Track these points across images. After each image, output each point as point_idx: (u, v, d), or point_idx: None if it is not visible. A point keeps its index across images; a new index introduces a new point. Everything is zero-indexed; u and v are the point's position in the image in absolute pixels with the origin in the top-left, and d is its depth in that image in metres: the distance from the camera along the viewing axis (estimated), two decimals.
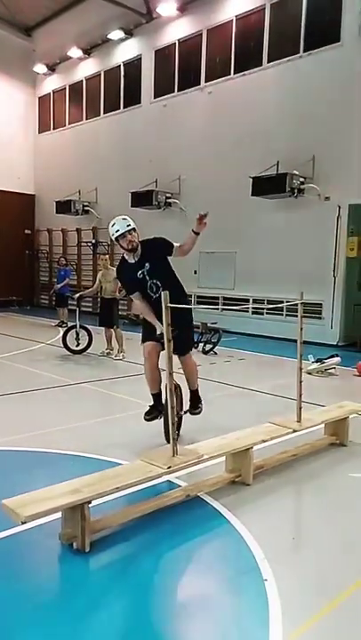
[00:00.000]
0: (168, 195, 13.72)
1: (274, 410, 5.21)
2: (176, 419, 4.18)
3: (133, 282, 4.35)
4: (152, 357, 4.34)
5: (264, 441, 3.96)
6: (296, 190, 11.09)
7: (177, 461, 3.29)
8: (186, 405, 4.73)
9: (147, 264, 4.30)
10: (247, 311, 11.84)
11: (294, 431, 4.25)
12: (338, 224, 10.87)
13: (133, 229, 4.22)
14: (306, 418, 4.44)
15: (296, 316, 4.62)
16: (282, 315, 11.16)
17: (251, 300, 12.04)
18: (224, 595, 2.58)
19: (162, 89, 14.43)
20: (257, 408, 5.89)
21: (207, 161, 13.03)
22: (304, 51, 11.32)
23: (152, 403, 4.53)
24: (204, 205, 14.83)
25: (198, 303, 12.99)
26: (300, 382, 4.47)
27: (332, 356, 8.26)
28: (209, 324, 9.90)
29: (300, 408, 4.39)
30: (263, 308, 11.51)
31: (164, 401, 4.41)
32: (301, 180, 11.04)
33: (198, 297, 13.29)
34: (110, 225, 4.27)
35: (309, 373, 7.61)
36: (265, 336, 11.53)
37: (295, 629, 2.27)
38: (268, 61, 11.96)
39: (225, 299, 12.70)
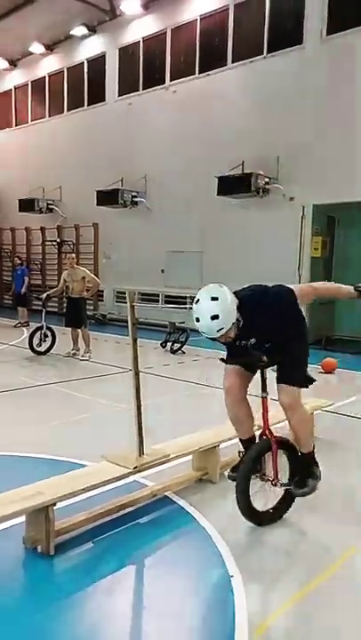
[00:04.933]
0: (134, 194, 13.66)
1: None
2: (280, 489, 3.12)
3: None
4: (233, 389, 3.19)
5: (231, 439, 3.99)
6: (261, 190, 11.22)
7: (143, 461, 3.28)
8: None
9: (252, 340, 2.94)
10: None
11: (259, 428, 4.28)
12: (302, 224, 11.05)
13: (230, 328, 2.82)
14: (271, 415, 4.48)
15: None
16: None
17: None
18: (191, 593, 2.59)
19: (127, 87, 14.35)
20: (224, 406, 5.91)
21: (173, 160, 13.03)
22: (268, 52, 11.45)
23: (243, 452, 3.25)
24: (170, 204, 14.78)
25: (166, 302, 12.99)
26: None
27: None
28: (177, 324, 9.91)
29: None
30: None
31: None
32: (266, 180, 11.17)
33: (166, 296, 13.27)
34: (194, 314, 2.85)
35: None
36: None
37: (260, 624, 2.30)
38: (233, 61, 12.05)
39: (192, 298, 12.71)
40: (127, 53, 14.29)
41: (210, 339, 2.87)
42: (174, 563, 2.82)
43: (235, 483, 3.06)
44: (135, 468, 3.21)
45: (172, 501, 3.44)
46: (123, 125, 14.26)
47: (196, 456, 3.77)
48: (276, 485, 3.12)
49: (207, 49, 12.55)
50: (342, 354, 9.30)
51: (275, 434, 3.27)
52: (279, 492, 3.19)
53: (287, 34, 11.11)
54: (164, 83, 13.43)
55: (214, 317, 2.73)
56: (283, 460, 3.16)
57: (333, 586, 2.60)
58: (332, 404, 5.27)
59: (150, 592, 2.61)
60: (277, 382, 3.13)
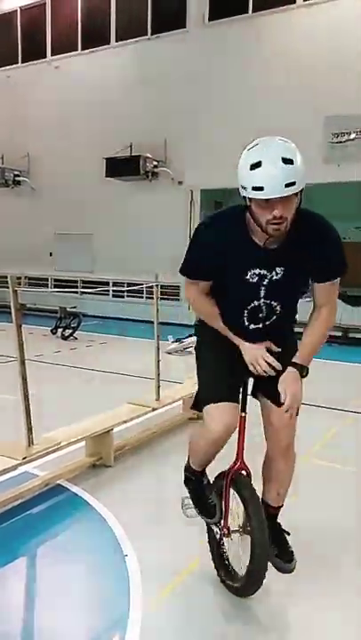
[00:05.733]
0: (16, 172, 12.97)
1: (136, 391, 5.26)
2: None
3: (217, 270, 2.04)
4: (228, 431, 2.09)
5: (125, 422, 4.01)
6: (150, 173, 11.24)
7: (33, 451, 3.17)
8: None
9: (280, 268, 1.98)
10: (107, 294, 11.79)
11: (154, 409, 4.36)
12: (191, 208, 11.28)
13: (300, 192, 1.82)
14: (165, 395, 4.58)
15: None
16: (142, 297, 11.30)
17: (111, 283, 12.00)
18: (85, 576, 2.60)
19: (4, 59, 13.50)
20: (119, 390, 5.91)
21: (59, 138, 12.56)
22: (152, 34, 11.40)
23: (195, 488, 2.37)
24: (57, 185, 14.27)
25: (56, 287, 12.61)
26: (158, 362, 4.59)
27: (190, 336, 8.62)
28: (68, 309, 9.67)
29: (159, 387, 4.51)
30: (123, 291, 11.55)
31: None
32: (155, 163, 11.21)
33: (56, 280, 12.87)
34: (249, 159, 1.80)
35: (169, 353, 7.85)
36: (126, 319, 11.61)
37: (153, 598, 2.36)
38: (117, 40, 11.84)
39: (84, 282, 12.48)
40: (3, 22, 13.40)
41: (263, 204, 1.80)
42: (68, 549, 2.79)
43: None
44: (24, 458, 3.09)
45: (65, 489, 3.38)
46: (2, 99, 13.41)
47: (90, 441, 3.73)
48: (228, 535, 2.31)
49: (90, 25, 12.20)
50: None
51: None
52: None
53: (171, 17, 11.14)
54: (45, 57, 12.83)
55: (288, 161, 1.75)
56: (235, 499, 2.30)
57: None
58: None
59: (44, 580, 2.57)
60: (268, 398, 2.15)
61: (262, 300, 2.03)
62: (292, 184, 1.76)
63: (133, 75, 11.65)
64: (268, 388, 2.10)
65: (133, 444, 4.12)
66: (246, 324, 2.08)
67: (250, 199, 1.83)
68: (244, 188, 1.82)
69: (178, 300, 11.47)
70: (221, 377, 2.12)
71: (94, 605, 2.37)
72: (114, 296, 11.93)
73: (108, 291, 11.43)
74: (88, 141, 12.04)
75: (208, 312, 2.14)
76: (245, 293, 2.02)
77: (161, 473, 3.92)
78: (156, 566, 2.58)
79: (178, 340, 8.38)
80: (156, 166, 11.25)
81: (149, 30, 11.40)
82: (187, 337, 8.55)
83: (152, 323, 4.63)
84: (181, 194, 11.24)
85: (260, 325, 2.08)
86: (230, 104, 10.53)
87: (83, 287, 12.16)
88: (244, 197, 1.85)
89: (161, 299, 4.71)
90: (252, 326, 2.09)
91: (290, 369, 1.98)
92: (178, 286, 11.48)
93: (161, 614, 2.28)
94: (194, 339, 8.75)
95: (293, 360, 2.00)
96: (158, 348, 4.63)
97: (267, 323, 2.08)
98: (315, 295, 2.06)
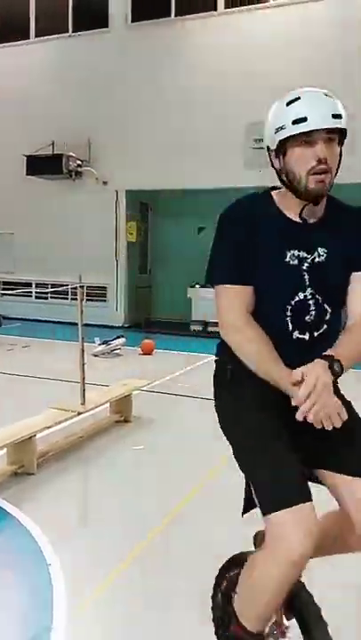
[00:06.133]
0: None
1: (61, 395, 5.12)
2: None
3: (254, 255, 1.61)
4: (313, 546, 1.35)
5: (48, 427, 3.89)
6: (74, 173, 11.03)
7: None
8: None
9: (322, 249, 1.64)
10: (30, 296, 11.40)
11: (79, 413, 4.27)
12: (117, 209, 11.20)
13: (346, 132, 1.56)
14: (90, 399, 4.50)
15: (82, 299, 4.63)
16: (67, 299, 11.04)
17: (34, 285, 11.62)
18: (5, 587, 2.47)
19: None
20: (42, 395, 5.72)
21: None
22: (73, 31, 11.21)
23: None
24: None
25: None
26: (83, 365, 4.51)
27: (118, 338, 8.54)
28: None
29: (84, 390, 4.43)
30: (47, 293, 11.23)
31: None
32: (79, 162, 11.01)
33: None
34: (289, 96, 1.54)
35: (96, 355, 7.73)
36: (51, 321, 11.28)
37: (79, 605, 2.30)
38: (37, 35, 11.53)
39: (4, 283, 11.99)
40: None
41: (304, 146, 1.51)
42: None
43: None
44: None
45: None
46: None
47: (11, 449, 3.59)
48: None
49: (8, 18, 11.77)
50: (161, 335, 9.75)
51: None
52: None
53: (93, 15, 11.03)
54: None
55: (330, 95, 1.55)
56: None
57: (152, 554, 2.73)
58: (149, 384, 5.50)
59: None
60: (347, 473, 1.52)
61: (308, 291, 1.61)
62: (339, 116, 1.50)
63: (54, 72, 11.37)
64: (332, 456, 1.52)
65: (58, 450, 4.02)
66: (290, 328, 1.62)
67: (284, 152, 1.55)
68: (282, 129, 1.52)
69: (104, 300, 11.34)
70: (286, 459, 1.45)
71: (15, 618, 2.26)
72: (37, 298, 11.56)
73: (30, 292, 11.05)
74: (7, 138, 11.59)
75: (264, 345, 1.54)
76: (288, 280, 1.62)
77: (87, 478, 3.85)
78: (81, 573, 2.53)
79: (105, 343, 8.27)
80: (79, 166, 11.04)
81: (70, 27, 11.19)
82: (114, 339, 8.47)
83: (77, 324, 4.53)
84: (107, 194, 11.12)
85: (307, 336, 1.62)
86: (153, 106, 10.56)
87: (3, 288, 11.67)
88: (277, 152, 1.57)
89: (87, 300, 4.65)
90: (296, 334, 1.62)
91: (317, 360, 1.47)
92: (104, 287, 11.35)
93: (86, 622, 2.23)
94: (121, 340, 8.67)
95: (324, 353, 1.51)
96: (83, 351, 4.56)
97: (315, 333, 1.63)
98: (351, 293, 1.66)
